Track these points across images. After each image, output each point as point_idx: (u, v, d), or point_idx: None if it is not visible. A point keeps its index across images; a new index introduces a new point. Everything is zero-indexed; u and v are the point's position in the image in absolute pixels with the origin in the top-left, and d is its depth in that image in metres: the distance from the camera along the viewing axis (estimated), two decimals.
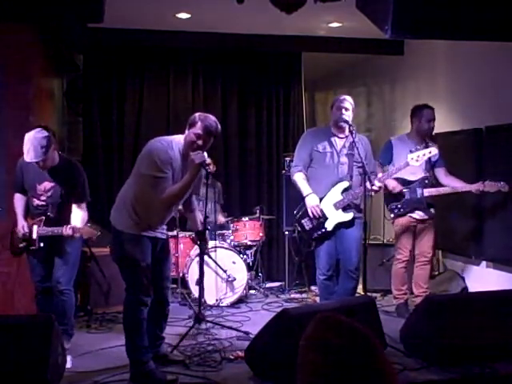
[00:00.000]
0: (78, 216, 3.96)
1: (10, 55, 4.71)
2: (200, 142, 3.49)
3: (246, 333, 4.45)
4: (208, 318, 4.66)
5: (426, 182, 4.89)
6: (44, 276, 4.03)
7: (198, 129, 3.48)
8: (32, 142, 3.75)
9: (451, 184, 4.92)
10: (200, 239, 3.98)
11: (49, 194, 3.97)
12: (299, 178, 4.54)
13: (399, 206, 4.91)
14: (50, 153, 3.84)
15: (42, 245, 3.95)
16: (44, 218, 3.96)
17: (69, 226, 3.85)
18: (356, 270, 4.44)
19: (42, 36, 5.25)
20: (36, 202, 4.00)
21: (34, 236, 3.92)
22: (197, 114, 3.58)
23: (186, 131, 3.55)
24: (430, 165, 4.96)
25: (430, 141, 4.94)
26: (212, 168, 5.29)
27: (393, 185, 4.86)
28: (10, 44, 4.66)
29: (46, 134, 3.80)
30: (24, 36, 4.80)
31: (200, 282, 4.34)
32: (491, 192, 4.71)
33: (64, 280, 3.97)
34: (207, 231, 4.05)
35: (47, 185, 3.96)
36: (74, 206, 3.97)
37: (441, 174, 5.01)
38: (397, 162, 4.76)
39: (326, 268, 4.50)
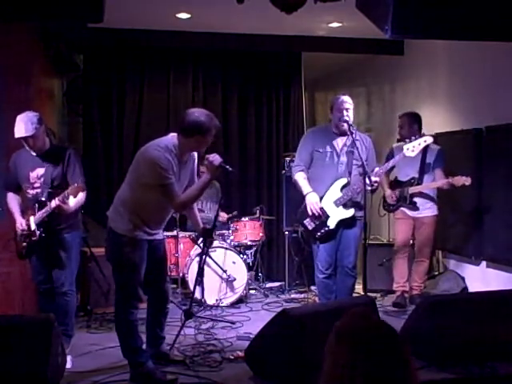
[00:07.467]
0: (71, 201, 3.82)
1: (10, 55, 4.70)
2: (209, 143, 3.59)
3: (232, 322, 4.72)
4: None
5: (412, 181, 5.16)
6: (45, 278, 4.01)
7: (212, 134, 3.54)
8: (22, 120, 3.77)
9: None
10: (207, 236, 4.01)
11: (41, 179, 3.93)
12: (300, 178, 4.53)
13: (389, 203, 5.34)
14: (41, 133, 3.83)
15: (43, 234, 3.89)
16: (37, 204, 3.89)
17: (55, 200, 3.75)
18: (353, 268, 4.49)
19: (42, 36, 5.26)
20: (30, 192, 3.95)
21: (33, 227, 3.89)
22: (203, 119, 3.47)
23: (198, 136, 3.48)
24: (423, 167, 5.09)
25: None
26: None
27: (387, 193, 5.27)
28: (10, 44, 4.66)
29: (36, 113, 3.82)
30: (24, 36, 4.80)
31: (196, 278, 4.36)
32: (457, 186, 4.88)
33: (67, 282, 3.97)
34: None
35: (39, 171, 3.93)
36: (69, 191, 3.76)
37: (437, 174, 5.11)
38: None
39: (325, 267, 4.50)
